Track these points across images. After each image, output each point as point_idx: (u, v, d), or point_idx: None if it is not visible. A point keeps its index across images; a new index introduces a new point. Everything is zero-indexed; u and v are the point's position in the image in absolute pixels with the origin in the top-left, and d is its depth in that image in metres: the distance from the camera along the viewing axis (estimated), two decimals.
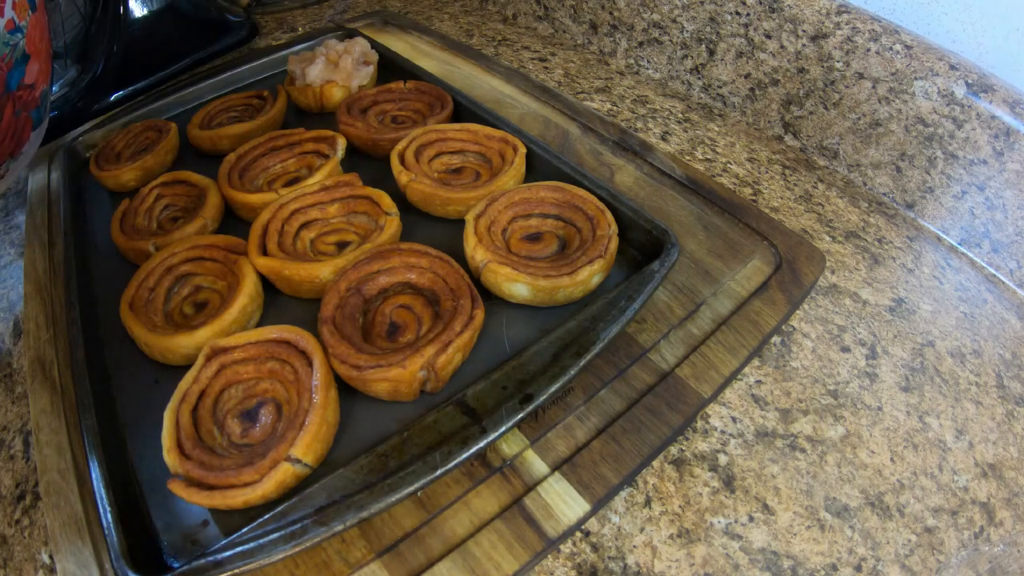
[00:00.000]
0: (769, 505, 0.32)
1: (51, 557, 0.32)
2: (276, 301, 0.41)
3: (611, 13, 0.67)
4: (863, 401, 0.37)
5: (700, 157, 0.55)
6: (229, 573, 0.27)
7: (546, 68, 0.68)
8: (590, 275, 0.38)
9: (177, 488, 0.29)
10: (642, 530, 0.31)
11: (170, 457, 0.30)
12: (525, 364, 0.35)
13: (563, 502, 0.31)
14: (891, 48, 0.47)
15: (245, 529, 0.29)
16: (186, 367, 0.35)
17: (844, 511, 0.32)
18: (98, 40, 0.65)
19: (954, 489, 0.34)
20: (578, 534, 0.31)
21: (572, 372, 0.33)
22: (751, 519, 0.32)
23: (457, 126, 0.49)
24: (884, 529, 0.32)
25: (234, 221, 0.47)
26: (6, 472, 0.36)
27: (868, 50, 0.48)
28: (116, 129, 0.58)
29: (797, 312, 0.42)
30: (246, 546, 0.28)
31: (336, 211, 0.44)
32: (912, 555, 0.31)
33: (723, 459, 0.34)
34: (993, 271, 0.46)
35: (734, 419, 0.36)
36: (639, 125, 0.58)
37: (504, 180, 0.45)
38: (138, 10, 0.65)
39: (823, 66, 0.52)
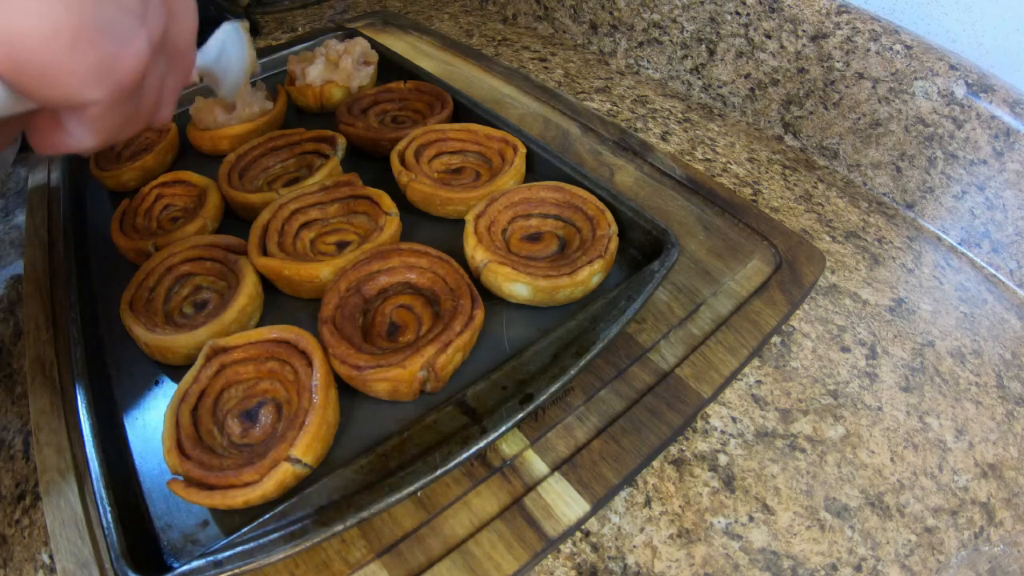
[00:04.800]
0: (769, 505, 0.32)
1: (51, 557, 0.32)
2: (276, 301, 0.41)
3: (611, 13, 0.67)
4: (863, 401, 0.37)
5: (700, 157, 0.55)
6: (229, 573, 0.27)
7: (546, 68, 0.68)
8: (590, 275, 0.38)
9: (177, 488, 0.29)
10: (642, 530, 0.31)
11: (170, 457, 0.30)
12: (525, 364, 0.35)
13: (563, 502, 0.31)
14: (891, 48, 0.47)
15: (245, 529, 0.29)
16: (186, 367, 0.35)
17: (844, 511, 0.32)
18: None
19: (954, 489, 0.34)
20: (578, 534, 0.31)
21: (572, 372, 0.33)
22: (751, 519, 0.32)
23: (457, 126, 0.49)
24: (884, 529, 0.32)
25: (234, 221, 0.47)
26: (6, 472, 0.36)
27: (868, 50, 0.48)
28: None
29: (797, 312, 0.42)
30: (246, 546, 0.28)
31: (336, 211, 0.44)
32: (912, 555, 0.31)
33: (723, 459, 0.34)
34: (993, 271, 0.46)
35: (734, 419, 0.36)
36: (639, 125, 0.58)
37: (504, 180, 0.45)
38: None
39: (823, 66, 0.52)
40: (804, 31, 0.52)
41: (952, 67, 0.45)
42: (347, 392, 0.35)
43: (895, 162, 0.50)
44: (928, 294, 0.44)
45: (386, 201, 0.44)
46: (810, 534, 0.31)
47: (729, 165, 0.54)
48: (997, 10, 0.45)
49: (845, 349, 0.40)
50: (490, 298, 0.40)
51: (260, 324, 0.40)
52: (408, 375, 0.33)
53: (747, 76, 0.58)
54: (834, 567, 0.30)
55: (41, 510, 0.33)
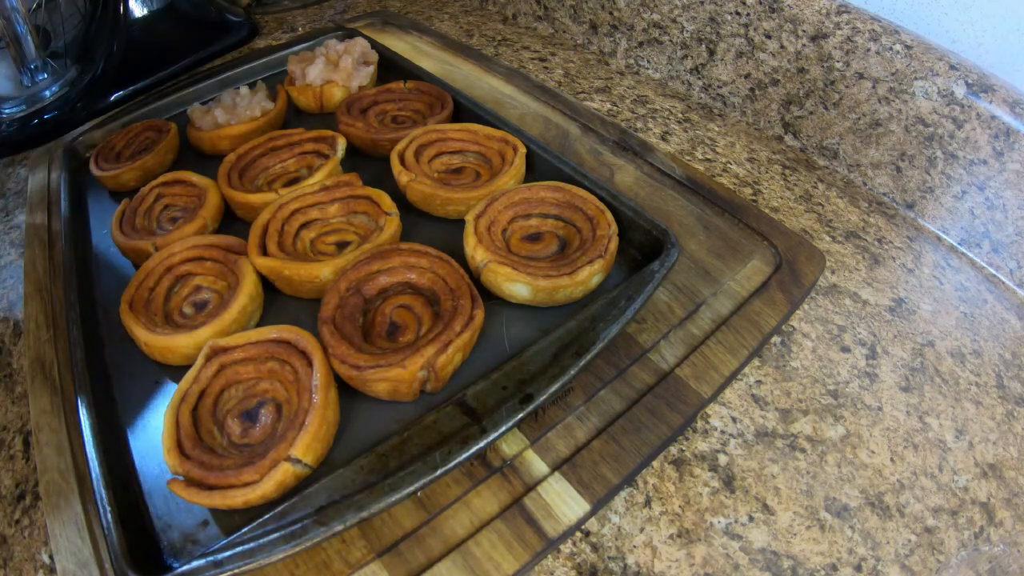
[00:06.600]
0: (769, 505, 0.32)
1: (51, 557, 0.32)
2: (276, 301, 0.41)
3: (611, 13, 0.67)
4: (863, 401, 0.37)
5: (700, 157, 0.55)
6: (229, 573, 0.27)
7: (546, 68, 0.68)
8: (590, 275, 0.38)
9: (177, 488, 0.29)
10: (642, 530, 0.31)
11: (170, 457, 0.30)
12: (525, 364, 0.35)
13: (563, 502, 0.31)
14: (891, 48, 0.47)
15: (245, 529, 0.29)
16: (186, 367, 0.35)
17: (844, 511, 0.32)
18: (98, 40, 0.65)
19: (954, 489, 0.34)
20: (578, 534, 0.31)
21: (572, 372, 0.33)
22: (751, 519, 0.32)
23: (457, 126, 0.49)
24: (884, 529, 0.32)
25: (234, 221, 0.47)
26: (6, 472, 0.36)
27: (868, 50, 0.48)
28: (116, 129, 0.58)
29: (797, 312, 0.42)
30: (246, 546, 0.28)
31: (336, 211, 0.44)
32: (912, 555, 0.31)
33: (723, 459, 0.34)
34: (993, 271, 0.46)
35: (734, 419, 0.36)
36: (639, 125, 0.58)
37: (504, 180, 0.45)
38: (138, 10, 0.65)
39: (823, 66, 0.52)
40: (804, 31, 0.52)
41: (952, 67, 0.45)
42: (347, 392, 0.35)
43: (895, 162, 0.50)
44: (928, 294, 0.44)
45: (386, 201, 0.44)
46: (810, 534, 0.31)
47: (729, 165, 0.54)
48: (997, 10, 0.45)
49: (845, 349, 0.40)
50: (490, 298, 0.40)
51: (260, 324, 0.40)
52: (408, 375, 0.33)
53: (747, 76, 0.58)
54: (834, 567, 0.30)
55: (41, 510, 0.33)
